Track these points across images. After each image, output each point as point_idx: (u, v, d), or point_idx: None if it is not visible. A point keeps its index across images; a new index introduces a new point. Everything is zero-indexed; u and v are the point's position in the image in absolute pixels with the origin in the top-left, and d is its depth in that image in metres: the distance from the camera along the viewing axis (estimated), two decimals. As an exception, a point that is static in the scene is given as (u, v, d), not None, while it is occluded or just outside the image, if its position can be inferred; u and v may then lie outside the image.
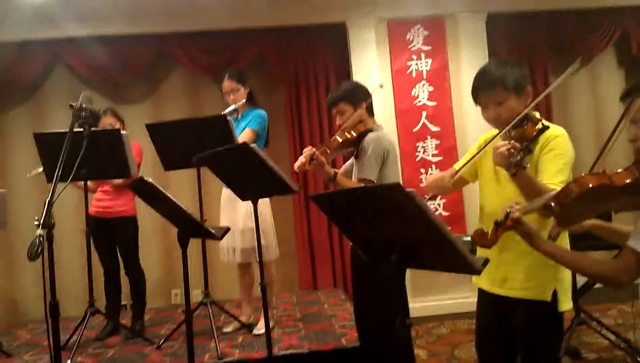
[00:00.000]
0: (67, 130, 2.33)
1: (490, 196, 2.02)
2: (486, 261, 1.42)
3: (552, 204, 1.49)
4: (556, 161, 1.81)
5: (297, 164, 2.58)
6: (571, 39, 5.14)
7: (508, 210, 1.52)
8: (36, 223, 1.91)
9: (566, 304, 1.89)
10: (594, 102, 5.43)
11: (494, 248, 1.64)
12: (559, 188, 1.72)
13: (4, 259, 4.81)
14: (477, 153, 2.00)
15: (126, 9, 4.49)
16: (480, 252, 2.04)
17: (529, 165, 1.67)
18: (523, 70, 1.96)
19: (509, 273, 1.91)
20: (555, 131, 1.87)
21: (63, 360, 2.36)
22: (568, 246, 1.94)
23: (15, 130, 4.94)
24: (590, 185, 1.42)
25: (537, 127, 1.78)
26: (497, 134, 1.88)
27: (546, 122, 1.83)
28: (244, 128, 3.50)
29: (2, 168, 4.93)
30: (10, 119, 4.98)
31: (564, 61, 5.21)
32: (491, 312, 2.03)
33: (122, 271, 3.82)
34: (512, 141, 1.70)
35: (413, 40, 4.90)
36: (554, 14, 5.05)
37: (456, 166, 2.11)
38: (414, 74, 4.89)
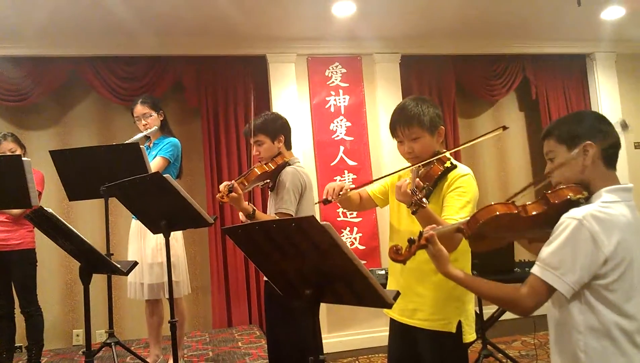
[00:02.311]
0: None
1: (399, 226, 2.09)
2: (397, 295, 1.44)
3: (463, 228, 1.56)
4: (460, 199, 1.91)
5: (217, 196, 2.53)
6: (478, 82, 5.50)
7: (422, 230, 1.57)
8: None
9: (470, 335, 1.97)
10: (498, 143, 5.79)
11: (406, 279, 1.68)
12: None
13: None
14: (385, 176, 2.12)
15: (39, 28, 4.22)
16: (392, 284, 2.08)
17: (427, 204, 1.75)
18: (438, 110, 2.07)
19: (418, 304, 1.97)
20: (462, 170, 1.98)
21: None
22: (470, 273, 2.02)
23: None
24: (498, 213, 1.50)
25: (445, 165, 1.90)
26: (407, 167, 2.00)
27: (455, 162, 1.96)
28: (155, 156, 3.39)
29: None
30: None
31: (471, 102, 5.60)
32: (401, 341, 2.08)
33: (18, 310, 3.53)
34: (417, 179, 1.79)
35: (332, 76, 5.03)
36: (462, 58, 5.40)
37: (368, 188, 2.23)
38: (332, 109, 5.00)
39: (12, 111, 4.66)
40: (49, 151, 3.20)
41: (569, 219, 1.42)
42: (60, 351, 4.32)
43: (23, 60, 4.47)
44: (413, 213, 1.74)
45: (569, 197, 1.49)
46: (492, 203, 1.53)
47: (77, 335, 4.64)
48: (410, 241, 1.56)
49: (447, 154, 1.97)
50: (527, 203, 1.52)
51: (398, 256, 1.58)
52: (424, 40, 5.09)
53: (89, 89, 4.79)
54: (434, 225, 1.61)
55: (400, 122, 2.01)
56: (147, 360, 3.46)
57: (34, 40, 4.38)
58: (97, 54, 4.59)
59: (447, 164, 1.90)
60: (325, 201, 2.06)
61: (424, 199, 1.72)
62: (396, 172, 2.07)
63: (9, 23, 4.10)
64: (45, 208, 2.17)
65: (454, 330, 1.92)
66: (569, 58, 5.68)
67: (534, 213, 1.50)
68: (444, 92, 5.40)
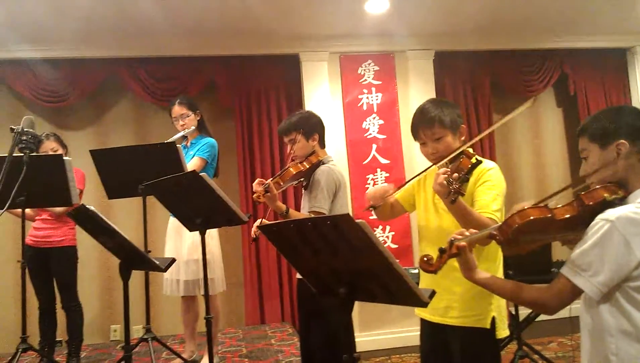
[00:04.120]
0: (5, 155, 2.22)
1: (429, 226, 2.09)
2: (433, 293, 1.43)
3: (496, 234, 1.53)
4: (489, 192, 1.91)
5: (253, 196, 2.56)
6: (513, 78, 5.40)
7: (453, 238, 1.55)
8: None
9: (504, 331, 1.97)
10: (534, 140, 5.68)
11: (436, 277, 1.67)
12: (493, 216, 1.83)
13: None
14: (414, 178, 2.10)
15: (76, 30, 4.36)
16: (424, 282, 2.07)
17: (465, 193, 1.76)
18: (457, 110, 2.09)
19: (450, 302, 1.97)
20: (488, 164, 2.00)
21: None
22: (502, 276, 2.01)
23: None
24: (532, 217, 1.47)
25: (471, 160, 1.90)
26: (430, 167, 2.01)
27: (479, 158, 1.96)
28: (193, 156, 3.44)
29: None
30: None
31: (507, 99, 5.51)
32: (433, 341, 2.07)
33: (59, 305, 3.63)
34: (450, 171, 1.80)
35: (364, 74, 5.01)
36: (498, 54, 5.30)
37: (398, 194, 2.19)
38: (364, 107, 4.98)
39: (52, 111, 4.81)
40: (89, 151, 3.29)
41: (602, 221, 1.38)
42: (98, 346, 4.43)
43: (61, 62, 4.61)
44: (452, 202, 1.74)
45: (604, 197, 1.45)
46: (525, 207, 1.49)
47: (115, 331, 4.76)
48: (442, 251, 1.55)
49: (471, 150, 1.99)
50: (561, 205, 1.48)
51: (429, 266, 1.56)
52: (458, 36, 5.02)
53: (125, 90, 4.91)
54: (464, 231, 1.58)
55: (422, 124, 2.03)
56: (183, 355, 3.52)
57: (71, 42, 4.51)
58: (132, 55, 4.70)
59: (473, 160, 1.91)
60: (372, 208, 2.05)
61: (462, 187, 1.72)
62: (421, 174, 2.07)
63: (47, 26, 4.23)
64: (87, 206, 2.24)
65: (488, 326, 1.91)
66: (608, 52, 5.53)
67: (567, 215, 1.46)
68: (478, 89, 5.33)
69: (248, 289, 4.83)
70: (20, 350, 3.14)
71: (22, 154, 2.40)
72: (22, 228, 3.32)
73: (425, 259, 1.58)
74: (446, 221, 1.97)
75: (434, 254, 1.60)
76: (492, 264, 1.95)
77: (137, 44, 4.62)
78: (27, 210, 3.34)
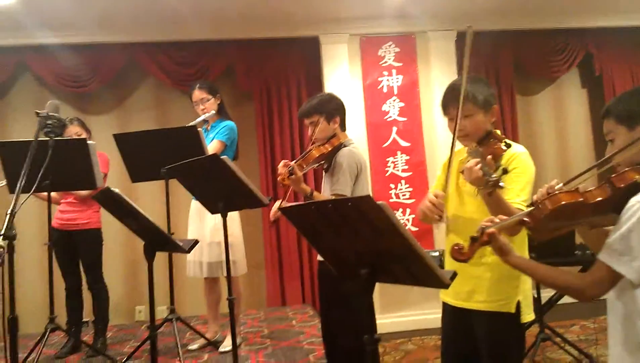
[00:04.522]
0: (31, 139, 2.26)
1: (452, 212, 2.05)
2: (454, 275, 1.43)
3: (527, 220, 1.51)
4: (519, 180, 1.86)
5: (278, 178, 2.57)
6: (536, 59, 5.30)
7: (484, 226, 1.53)
8: (-4, 234, 1.84)
9: (529, 315, 1.95)
10: (558, 121, 5.59)
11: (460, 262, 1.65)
12: (522, 206, 1.77)
13: (-40, 272, 4.61)
14: (447, 172, 1.99)
15: (96, 16, 4.41)
16: (448, 266, 2.06)
17: (503, 185, 1.67)
18: (492, 89, 2.03)
19: (475, 286, 1.95)
20: (518, 149, 1.93)
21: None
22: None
23: (-24, 139, 4.79)
24: (564, 202, 1.44)
25: (503, 145, 1.82)
26: (465, 158, 1.87)
27: (509, 141, 1.88)
28: (213, 139, 3.47)
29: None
30: (-30, 127, 4.83)
31: (530, 80, 5.41)
32: (456, 326, 2.06)
33: (85, 286, 3.72)
34: (488, 158, 1.71)
35: (384, 56, 4.97)
36: (521, 34, 5.20)
37: (435, 188, 2.09)
38: (385, 90, 4.95)
39: (75, 96, 4.88)
40: (113, 135, 3.34)
41: (638, 204, 1.35)
42: (123, 326, 4.53)
43: (83, 48, 4.66)
44: (489, 194, 1.69)
45: (635, 179, 1.42)
46: (557, 192, 1.47)
47: (140, 311, 4.86)
48: (473, 239, 1.53)
49: (499, 132, 1.91)
50: (591, 189, 1.46)
51: (461, 255, 1.54)
52: (481, 16, 4.93)
53: (146, 75, 4.95)
54: (493, 218, 1.55)
55: (454, 99, 1.95)
56: (206, 335, 3.59)
57: (91, 28, 4.56)
58: (152, 40, 4.73)
59: (503, 144, 1.82)
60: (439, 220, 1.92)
61: (501, 179, 1.64)
62: (451, 158, 1.97)
63: (68, 12, 4.27)
64: (112, 189, 2.27)
65: (513, 310, 1.89)
66: (635, 31, 5.37)
67: (599, 198, 1.43)
68: (501, 70, 5.24)
69: (269, 271, 4.89)
70: (48, 330, 3.23)
71: (48, 139, 2.44)
72: (48, 211, 3.40)
73: (456, 248, 1.56)
74: (470, 205, 1.94)
75: (457, 240, 1.59)
76: (518, 248, 1.90)
77: (157, 29, 4.65)
78: (53, 194, 3.39)
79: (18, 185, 2.04)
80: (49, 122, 2.29)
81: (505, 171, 1.69)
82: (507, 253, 1.54)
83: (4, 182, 3.27)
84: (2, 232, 1.85)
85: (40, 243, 3.95)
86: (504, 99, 5.19)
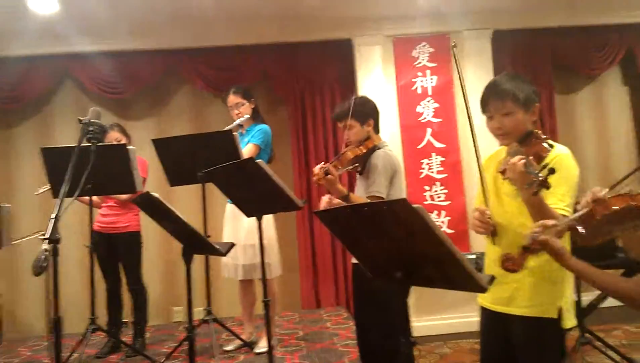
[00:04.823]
0: (73, 145, 2.33)
1: (490, 208, 1.97)
2: (492, 279, 1.41)
3: (578, 225, 1.47)
4: (562, 184, 1.77)
5: (313, 179, 2.58)
6: (575, 56, 5.17)
7: (534, 234, 1.49)
8: (41, 237, 1.90)
9: (571, 321, 1.88)
10: (599, 120, 5.43)
11: (500, 266, 1.62)
12: (565, 212, 1.71)
13: (7, 274, 4.79)
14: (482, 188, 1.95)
15: (132, 24, 4.54)
16: (488, 270, 2.02)
17: (550, 186, 1.58)
18: (533, 87, 1.95)
19: (515, 291, 1.89)
20: (561, 150, 1.85)
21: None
22: None
23: (23, 145, 4.97)
24: (616, 207, 1.41)
25: (545, 145, 1.73)
26: (505, 158, 1.78)
27: (551, 141, 1.80)
28: (247, 143, 3.51)
29: (8, 183, 4.94)
30: (17, 134, 5.01)
31: (569, 78, 5.28)
32: (495, 331, 2.00)
33: (125, 288, 3.81)
34: (530, 157, 1.64)
35: (418, 57, 4.93)
36: (559, 31, 5.07)
37: (477, 202, 2.04)
38: (419, 91, 4.91)
39: (115, 103, 5.01)
40: (152, 140, 3.40)
41: None
42: (161, 326, 4.62)
43: (120, 55, 4.79)
44: (534, 194, 1.59)
45: None
46: (607, 197, 1.43)
47: (177, 312, 4.95)
48: (525, 249, 1.50)
49: (540, 133, 1.82)
50: None
51: (513, 265, 1.51)
52: (517, 13, 4.84)
53: (183, 81, 5.05)
54: (545, 223, 1.50)
55: (493, 96, 1.91)
56: (242, 336, 3.63)
57: (128, 36, 4.68)
58: (187, 46, 4.82)
59: (545, 144, 1.74)
60: (493, 235, 1.88)
61: (547, 179, 1.55)
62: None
63: (106, 21, 4.42)
64: (151, 193, 2.33)
65: (554, 316, 1.83)
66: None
67: None
68: (539, 68, 5.13)
69: (303, 273, 4.91)
70: (89, 330, 3.32)
71: (90, 145, 2.51)
72: (89, 214, 3.49)
73: (506, 258, 1.52)
74: (509, 207, 1.86)
75: (497, 243, 1.54)
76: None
77: (193, 35, 4.73)
78: (94, 197, 3.49)
79: (62, 190, 2.10)
80: (91, 128, 2.35)
81: (552, 171, 1.58)
82: (564, 257, 1.50)
83: (48, 187, 3.38)
84: (47, 236, 1.90)
85: (82, 245, 4.06)
86: (543, 98, 5.07)
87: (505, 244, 1.85)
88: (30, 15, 4.10)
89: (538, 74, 5.11)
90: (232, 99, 3.59)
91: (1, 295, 3.69)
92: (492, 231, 1.86)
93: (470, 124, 2.06)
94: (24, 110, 4.97)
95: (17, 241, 3.89)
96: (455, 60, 2.07)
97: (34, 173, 4.59)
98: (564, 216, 1.70)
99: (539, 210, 1.68)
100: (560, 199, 1.75)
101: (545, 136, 1.78)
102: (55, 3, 4.00)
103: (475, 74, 4.81)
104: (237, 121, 3.53)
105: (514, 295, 1.89)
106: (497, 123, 1.90)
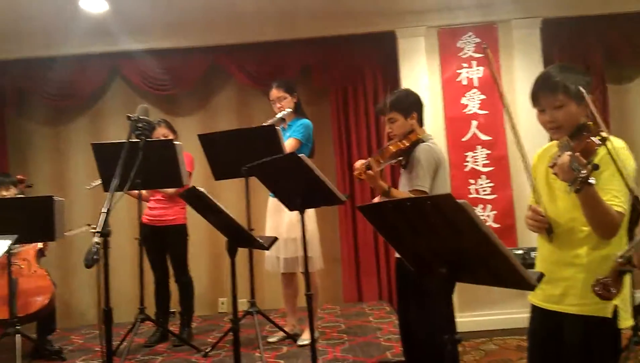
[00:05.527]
0: (123, 141, 2.40)
1: (543, 203, 1.91)
2: (541, 276, 1.37)
3: None
4: (617, 179, 1.70)
5: (354, 173, 2.57)
6: (628, 44, 4.94)
7: (622, 258, 1.47)
8: (93, 231, 1.96)
9: (627, 320, 1.80)
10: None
11: (552, 263, 1.58)
12: (621, 208, 1.66)
13: (62, 266, 4.99)
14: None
15: (179, 22, 4.63)
16: (538, 266, 1.96)
17: (594, 181, 1.54)
18: (587, 77, 1.87)
19: (567, 288, 1.83)
20: (616, 143, 1.76)
21: (114, 365, 2.42)
22: None
23: (75, 141, 5.16)
24: None
25: (597, 139, 1.66)
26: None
27: (605, 134, 1.70)
28: (289, 137, 3.53)
29: (62, 178, 5.14)
30: (70, 130, 5.20)
31: (622, 69, 5.05)
32: (546, 330, 1.95)
33: (172, 279, 3.90)
34: (577, 154, 1.58)
35: (464, 47, 4.82)
36: (609, 19, 4.86)
37: (531, 200, 1.97)
38: (464, 82, 4.81)
39: (162, 99, 5.13)
40: (198, 135, 3.47)
41: None
42: (207, 317, 4.72)
43: (167, 52, 4.90)
44: (577, 191, 1.55)
45: None
46: None
47: (222, 303, 5.05)
48: (621, 272, 1.47)
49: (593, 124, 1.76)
50: None
51: (610, 293, 1.48)
52: (567, 0, 4.67)
53: (227, 76, 5.12)
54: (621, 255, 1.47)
55: (544, 89, 1.85)
56: (285, 329, 3.67)
57: (173, 34, 4.79)
58: (231, 42, 4.87)
59: (599, 137, 1.66)
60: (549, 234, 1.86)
61: (591, 176, 1.51)
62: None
63: (152, 20, 4.53)
64: (197, 188, 2.38)
65: (609, 315, 1.76)
66: None
67: None
68: (589, 57, 4.92)
69: (345, 267, 4.91)
70: (139, 320, 3.44)
71: (138, 140, 2.58)
72: (138, 208, 3.60)
73: (603, 285, 1.48)
74: (562, 201, 1.81)
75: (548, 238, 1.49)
76: (615, 249, 1.73)
77: (236, 31, 4.79)
78: (143, 191, 3.60)
79: (112, 184, 2.17)
80: (139, 125, 2.41)
81: (595, 167, 1.53)
82: None
83: (99, 181, 3.50)
84: (99, 230, 1.97)
85: (131, 238, 4.19)
86: (594, 90, 4.88)
87: (560, 241, 1.81)
88: (81, 14, 4.23)
89: (589, 63, 4.91)
90: (275, 93, 3.61)
91: (56, 286, 3.84)
92: (547, 228, 1.82)
93: (510, 119, 1.99)
94: (77, 107, 5.15)
95: (70, 234, 4.04)
96: (489, 61, 2.00)
97: (86, 167, 4.76)
98: (620, 212, 1.65)
99: (591, 207, 1.64)
100: (615, 195, 1.69)
101: (599, 129, 1.71)
102: (104, 3, 4.12)
103: (524, 65, 4.67)
104: (279, 115, 3.55)
105: (566, 293, 1.84)
106: (549, 117, 1.84)
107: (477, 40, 4.81)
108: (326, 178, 2.49)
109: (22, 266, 3.69)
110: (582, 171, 1.51)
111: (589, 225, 1.72)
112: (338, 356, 3.29)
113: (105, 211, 2.03)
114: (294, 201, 2.64)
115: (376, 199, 2.60)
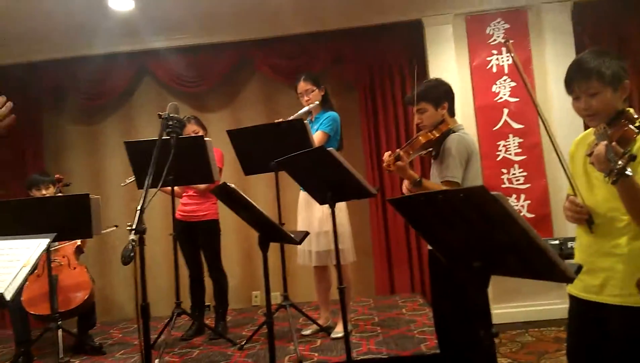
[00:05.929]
0: (155, 138, 2.44)
1: (580, 193, 1.86)
2: (579, 268, 1.34)
3: None
4: None
5: (384, 165, 2.56)
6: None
7: None
8: (129, 228, 2.00)
9: None
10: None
11: (591, 253, 1.53)
12: None
13: (99, 262, 5.12)
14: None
15: (205, 19, 4.67)
16: (577, 258, 1.92)
17: (631, 173, 1.49)
18: (622, 62, 1.81)
19: (607, 279, 1.79)
20: None
21: (152, 359, 2.47)
22: None
23: (108, 139, 5.27)
24: None
25: (635, 126, 1.61)
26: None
27: None
28: (316, 131, 3.52)
29: (97, 176, 5.26)
30: (103, 129, 5.32)
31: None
32: (585, 321, 1.91)
33: (206, 274, 3.95)
34: (614, 144, 1.54)
35: (493, 34, 4.73)
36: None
37: (569, 191, 1.92)
38: (494, 70, 4.72)
39: (191, 96, 5.18)
40: (227, 131, 3.50)
41: None
42: (242, 310, 4.78)
43: (193, 49, 4.96)
44: (613, 182, 1.51)
45: None
46: None
47: (256, 297, 5.10)
48: None
49: (632, 110, 1.70)
50: None
51: None
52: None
53: (254, 71, 5.14)
54: None
55: (577, 76, 1.80)
56: (318, 322, 3.68)
57: (199, 30, 4.84)
58: (257, 37, 4.90)
59: (637, 124, 1.61)
60: (590, 224, 1.80)
61: (627, 168, 1.46)
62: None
63: (178, 17, 4.57)
64: (228, 184, 2.40)
65: None
66: None
67: None
68: (624, 42, 4.77)
69: (377, 259, 4.90)
70: (175, 314, 3.50)
71: (170, 138, 2.61)
72: (172, 204, 3.65)
73: None
74: (600, 190, 1.76)
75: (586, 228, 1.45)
76: None
77: (261, 25, 4.81)
78: (175, 188, 3.65)
79: (146, 182, 2.21)
80: (170, 123, 2.44)
81: (633, 158, 1.48)
82: None
83: (133, 178, 3.57)
84: (134, 227, 2.01)
85: (165, 234, 4.26)
86: (631, 76, 4.70)
87: (600, 231, 1.77)
88: (110, 13, 4.30)
89: (624, 48, 4.75)
90: (302, 86, 3.61)
91: (94, 281, 3.94)
92: (588, 219, 1.77)
93: (537, 110, 1.94)
94: (108, 106, 5.26)
95: (107, 231, 4.13)
96: (512, 58, 1.94)
97: (120, 165, 4.86)
98: None
99: (630, 197, 1.59)
100: None
101: (637, 116, 1.66)
102: (131, 1, 4.18)
103: (555, 50, 4.56)
104: (305, 108, 3.55)
105: (606, 283, 1.79)
106: (584, 104, 1.79)
107: (507, 26, 4.71)
108: (355, 171, 2.48)
109: (62, 263, 3.80)
110: (618, 162, 1.46)
111: (629, 215, 1.67)
112: (372, 349, 3.28)
113: (140, 209, 2.06)
114: (324, 195, 2.64)
115: (404, 187, 2.56)
